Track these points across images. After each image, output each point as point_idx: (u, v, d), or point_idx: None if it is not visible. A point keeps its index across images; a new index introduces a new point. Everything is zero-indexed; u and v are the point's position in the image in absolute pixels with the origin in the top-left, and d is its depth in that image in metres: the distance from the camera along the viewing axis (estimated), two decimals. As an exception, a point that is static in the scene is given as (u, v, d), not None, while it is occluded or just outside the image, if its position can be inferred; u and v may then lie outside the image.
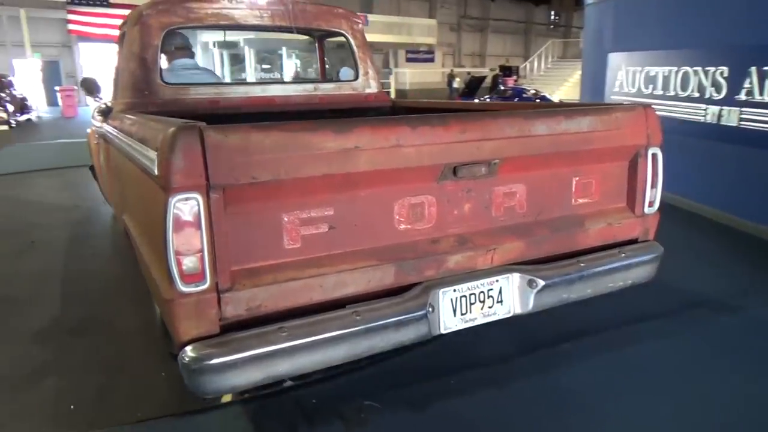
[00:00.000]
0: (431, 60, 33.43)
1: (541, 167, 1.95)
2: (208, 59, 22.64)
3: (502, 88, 21.29)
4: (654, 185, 2.13)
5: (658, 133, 2.09)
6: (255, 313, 1.52)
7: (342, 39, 3.69)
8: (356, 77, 3.68)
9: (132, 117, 2.39)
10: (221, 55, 26.02)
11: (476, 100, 20.83)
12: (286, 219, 1.56)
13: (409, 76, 31.00)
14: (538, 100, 18.54)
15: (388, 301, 1.69)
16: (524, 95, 18.46)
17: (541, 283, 1.89)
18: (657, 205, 2.18)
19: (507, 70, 25.97)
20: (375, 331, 1.64)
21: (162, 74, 3.09)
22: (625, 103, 2.56)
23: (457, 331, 1.82)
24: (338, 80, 3.96)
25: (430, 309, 1.73)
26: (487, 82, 24.14)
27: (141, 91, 3.00)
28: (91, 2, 19.61)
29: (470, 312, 1.82)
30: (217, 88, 3.35)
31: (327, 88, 3.65)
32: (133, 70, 3.02)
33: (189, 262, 1.42)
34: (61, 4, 19.23)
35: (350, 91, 3.67)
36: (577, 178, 2.04)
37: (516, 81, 24.81)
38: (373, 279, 1.67)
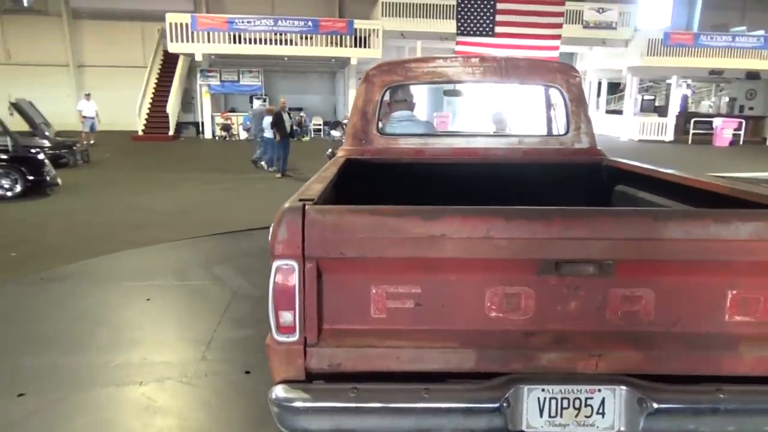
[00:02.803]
0: None
1: (679, 274, 1.70)
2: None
3: None
4: None
5: None
6: (336, 369, 1.66)
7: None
8: (567, 131, 3.54)
9: (328, 166, 2.76)
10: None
11: None
12: (374, 291, 1.68)
13: None
14: None
15: (461, 386, 1.69)
16: None
17: (654, 405, 1.64)
18: None
19: None
20: (442, 413, 1.66)
21: (378, 126, 3.38)
22: None
23: None
24: (544, 134, 3.81)
25: (505, 404, 1.65)
26: None
27: (360, 140, 3.33)
28: (479, 33, 20.33)
29: (561, 416, 1.69)
30: (424, 139, 3.53)
31: (532, 142, 3.58)
32: (356, 121, 3.35)
33: (285, 317, 1.63)
34: (452, 35, 20.46)
35: (557, 146, 3.53)
36: (733, 292, 1.71)
37: None
38: (452, 360, 1.69)
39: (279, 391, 1.67)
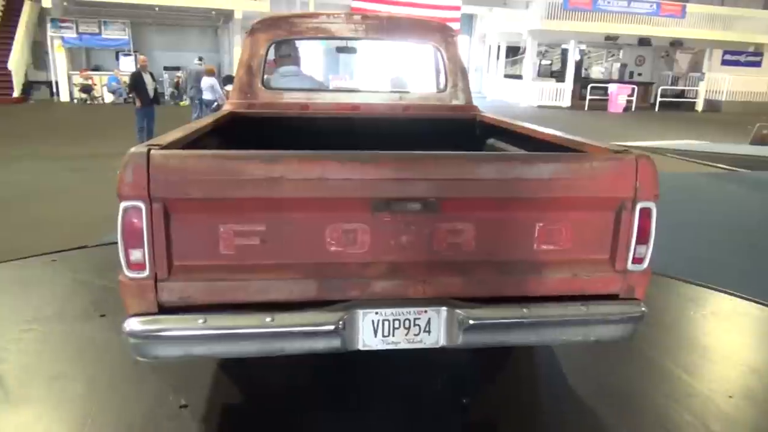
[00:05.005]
0: (756, 65, 26.11)
1: (493, 210, 1.93)
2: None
3: None
4: (644, 241, 1.99)
5: (651, 186, 1.94)
6: (187, 302, 1.77)
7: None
8: (444, 88, 3.70)
9: (204, 118, 3.00)
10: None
11: None
12: (221, 229, 1.77)
13: (729, 83, 24.46)
14: None
15: (301, 312, 1.82)
16: None
17: (470, 321, 1.89)
18: (646, 263, 2.01)
19: None
20: (285, 336, 1.82)
21: (263, 80, 3.45)
22: (612, 150, 2.09)
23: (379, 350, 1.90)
24: (424, 91, 3.98)
25: (341, 326, 1.82)
26: None
27: (245, 93, 3.40)
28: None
29: (393, 336, 1.90)
30: (308, 94, 3.63)
31: (412, 98, 3.75)
32: (241, 75, 3.42)
33: (134, 254, 1.71)
34: (347, -8, 18.73)
35: (436, 102, 3.72)
36: (540, 224, 1.96)
37: None
38: (295, 290, 1.84)
39: (132, 324, 1.73)
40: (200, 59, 15.40)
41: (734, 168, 9.87)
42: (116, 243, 1.63)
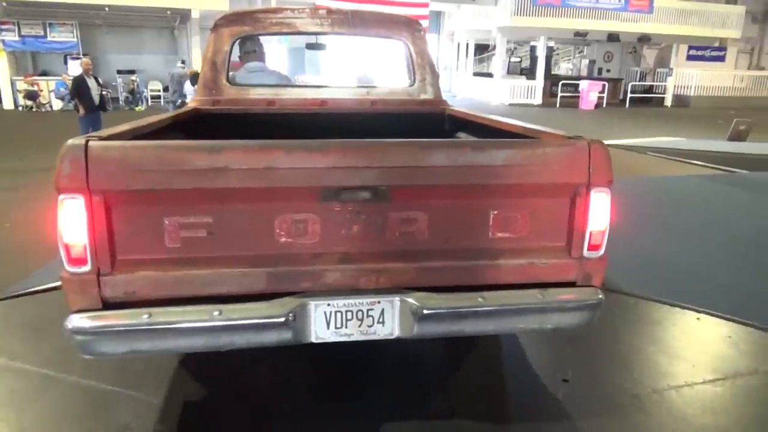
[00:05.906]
0: (720, 59, 26.22)
1: (446, 198, 1.90)
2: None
3: None
4: (600, 228, 1.96)
5: (605, 171, 1.92)
6: (131, 297, 1.71)
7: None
8: (413, 83, 3.65)
9: (164, 115, 2.83)
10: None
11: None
12: (166, 221, 1.72)
13: (697, 78, 24.44)
14: None
15: (249, 305, 1.77)
16: None
17: (424, 311, 1.85)
18: (603, 250, 1.99)
19: None
20: (233, 329, 1.75)
21: (228, 76, 3.41)
22: (565, 136, 2.06)
23: (333, 342, 1.86)
24: (392, 86, 3.91)
25: (291, 318, 1.77)
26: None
27: (210, 90, 3.37)
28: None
29: (346, 327, 1.86)
30: (275, 89, 3.54)
31: (380, 92, 3.68)
32: (205, 71, 3.41)
33: (75, 249, 1.64)
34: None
35: (405, 97, 3.67)
36: (495, 212, 1.94)
37: None
38: (244, 283, 1.78)
39: (74, 320, 1.67)
40: (183, 62, 15.32)
41: (731, 169, 9.35)
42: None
